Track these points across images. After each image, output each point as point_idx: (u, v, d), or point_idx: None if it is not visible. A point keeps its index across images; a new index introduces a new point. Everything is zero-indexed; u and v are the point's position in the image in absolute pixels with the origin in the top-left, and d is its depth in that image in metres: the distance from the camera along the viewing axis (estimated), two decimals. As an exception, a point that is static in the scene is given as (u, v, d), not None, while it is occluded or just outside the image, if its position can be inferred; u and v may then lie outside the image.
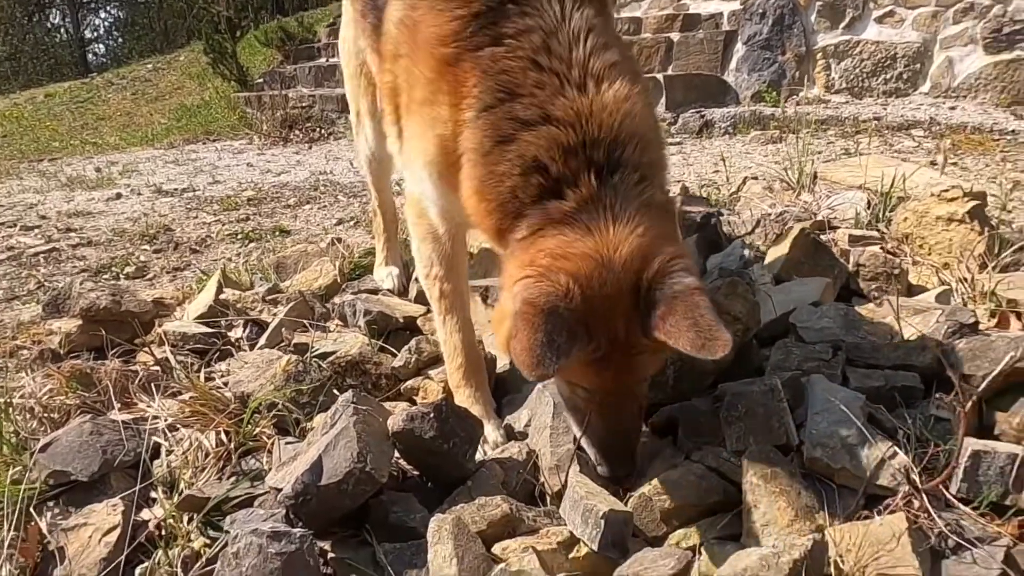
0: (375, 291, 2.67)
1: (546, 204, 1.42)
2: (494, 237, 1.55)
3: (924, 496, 1.24)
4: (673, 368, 1.71)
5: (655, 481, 1.43)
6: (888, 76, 6.32)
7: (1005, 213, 3.01)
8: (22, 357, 2.56)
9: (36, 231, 4.47)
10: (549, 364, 1.24)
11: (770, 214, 3.03)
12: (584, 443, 1.54)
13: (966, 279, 2.31)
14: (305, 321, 2.31)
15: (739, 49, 6.84)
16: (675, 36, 7.09)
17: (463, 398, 1.87)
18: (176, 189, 5.65)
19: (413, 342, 2.07)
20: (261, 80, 10.89)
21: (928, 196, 2.54)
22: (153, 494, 1.75)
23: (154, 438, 1.86)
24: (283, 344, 2.26)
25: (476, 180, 1.50)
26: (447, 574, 1.27)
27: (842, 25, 6.47)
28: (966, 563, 1.17)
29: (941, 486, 1.31)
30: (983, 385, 1.42)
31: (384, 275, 2.78)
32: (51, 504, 1.72)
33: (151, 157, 8.06)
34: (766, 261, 2.47)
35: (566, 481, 1.51)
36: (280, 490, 1.48)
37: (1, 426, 1.83)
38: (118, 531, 1.57)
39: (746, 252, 2.48)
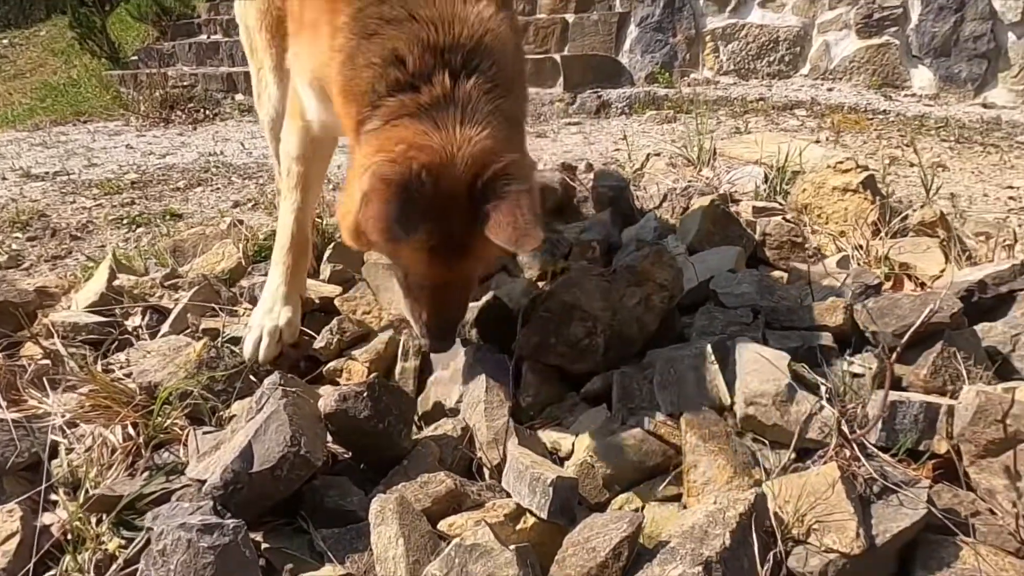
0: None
1: (401, 97, 1.49)
2: (353, 131, 1.60)
3: (855, 446, 1.31)
4: (603, 337, 1.72)
5: (595, 447, 1.43)
6: (772, 59, 6.61)
7: (885, 186, 3.22)
8: None
9: None
10: (398, 233, 1.34)
11: (675, 188, 3.11)
12: (410, 318, 1.68)
13: (861, 245, 2.45)
14: (213, 305, 2.18)
15: (632, 31, 6.98)
16: (570, 17, 7.15)
17: (276, 274, 2.04)
18: (47, 173, 5.21)
19: (335, 322, 1.99)
20: (136, 57, 10.20)
21: (824, 168, 2.68)
22: (54, 496, 1.61)
23: (51, 436, 1.71)
24: (189, 331, 2.12)
25: (342, 77, 1.58)
26: (393, 555, 1.22)
27: (729, 8, 6.70)
28: (893, 506, 1.24)
29: (863, 436, 1.38)
30: (907, 336, 1.50)
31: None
32: (-67, 515, 1.55)
33: (13, 139, 7.40)
34: (678, 233, 2.53)
35: (505, 454, 1.50)
36: (203, 482, 1.39)
37: None
38: (17, 538, 1.44)
39: (657, 224, 2.53)
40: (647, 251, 1.78)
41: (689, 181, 3.55)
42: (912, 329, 1.51)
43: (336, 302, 2.18)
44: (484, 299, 1.94)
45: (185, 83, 8.84)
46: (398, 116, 1.48)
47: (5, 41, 13.46)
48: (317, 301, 2.22)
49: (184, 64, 9.60)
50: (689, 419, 1.40)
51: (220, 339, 1.97)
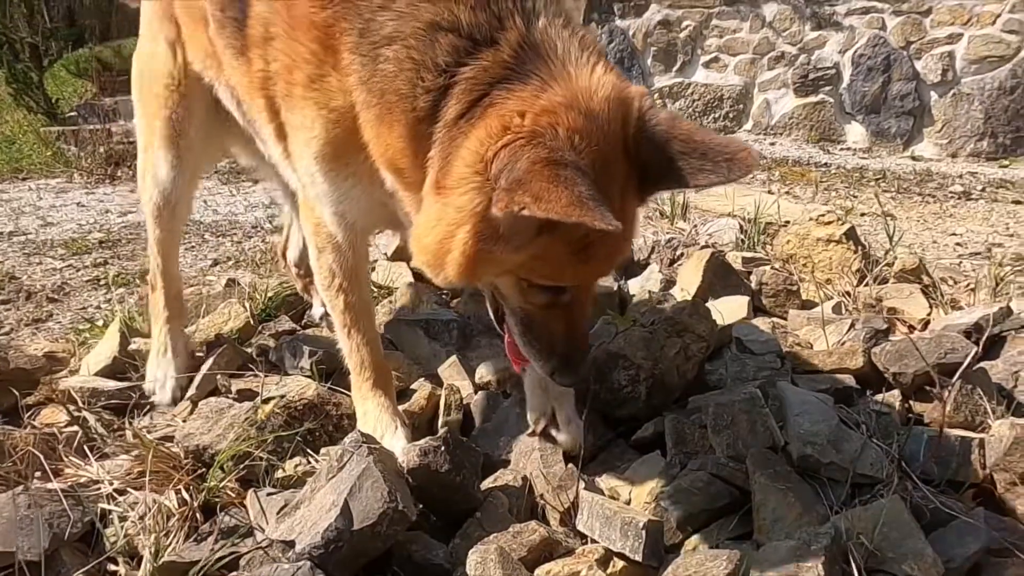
0: (304, 327, 2.57)
1: (473, 63, 1.21)
2: (410, 161, 1.30)
3: (914, 479, 1.43)
4: (646, 384, 1.82)
5: (666, 491, 1.51)
6: (717, 115, 6.99)
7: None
8: None
9: None
10: (601, 214, 1.05)
11: (660, 240, 3.27)
12: (529, 353, 1.44)
13: (849, 292, 2.64)
14: (253, 368, 2.18)
15: (584, 89, 7.28)
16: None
17: (373, 407, 1.81)
18: (1, 233, 5.04)
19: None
20: (75, 113, 9.99)
21: (807, 220, 2.88)
22: (112, 567, 1.58)
23: (100, 505, 1.68)
24: (222, 392, 2.12)
25: (373, 102, 1.30)
26: (498, 604, 1.26)
27: (675, 69, 7.09)
28: (955, 532, 1.36)
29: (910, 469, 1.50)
30: (956, 381, 1.64)
31: (158, 377, 2.15)
32: (-7, 594, 1.50)
33: (-48, 197, 7.11)
34: (679, 284, 2.66)
35: (575, 500, 1.56)
36: (287, 543, 1.40)
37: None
38: (89, 613, 1.41)
39: (662, 276, 2.66)
40: (684, 305, 1.89)
41: (668, 232, 3.73)
42: (966, 363, 1.65)
43: (366, 359, 2.21)
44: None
45: (130, 139, 8.69)
46: (484, 88, 1.20)
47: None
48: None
49: (126, 120, 9.45)
50: (755, 460, 1.49)
51: (261, 400, 1.96)
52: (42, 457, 1.75)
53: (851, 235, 2.75)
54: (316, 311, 2.62)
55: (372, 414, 1.79)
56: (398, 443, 1.67)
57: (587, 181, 1.10)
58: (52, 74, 11.33)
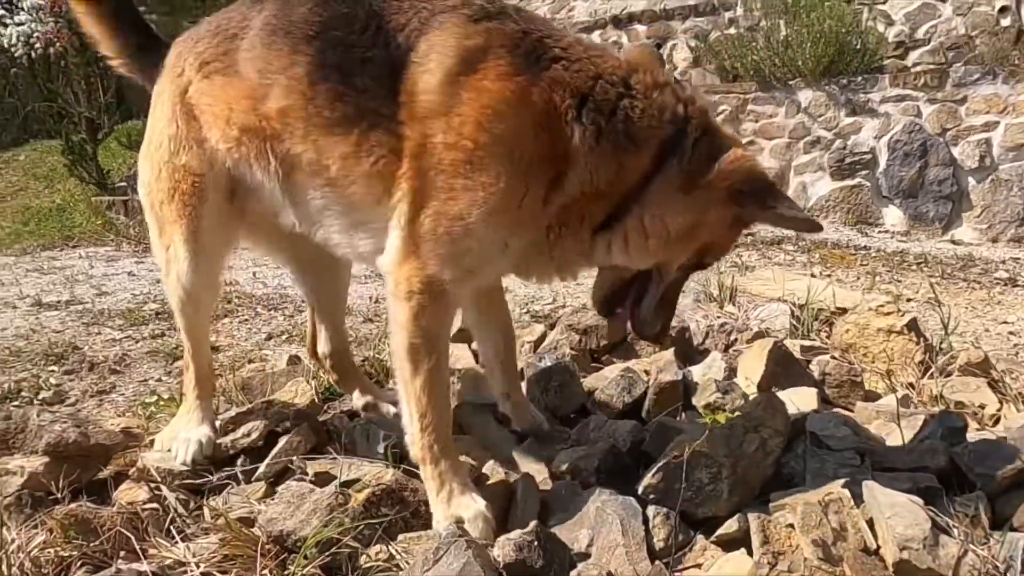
0: (370, 407, 2.59)
1: (693, 107, 1.85)
2: (646, 176, 1.84)
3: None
4: (728, 482, 1.82)
5: (764, 592, 1.50)
6: (753, 196, 7.08)
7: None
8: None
9: (-95, 351, 3.93)
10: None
11: (713, 325, 3.30)
12: (658, 314, 1.98)
13: (912, 384, 2.64)
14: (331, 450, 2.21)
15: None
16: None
17: (444, 468, 1.86)
18: (59, 301, 5.18)
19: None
20: (124, 183, 10.37)
21: (866, 310, 2.90)
22: (202, 654, 1.59)
23: (189, 589, 1.69)
24: (296, 472, 2.15)
25: (612, 145, 1.80)
26: None
27: (711, 151, 7.23)
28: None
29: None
30: None
31: (191, 439, 2.23)
32: None
33: (4, 264, 7.34)
34: (741, 372, 2.68)
35: (665, 600, 1.55)
36: (385, 637, 1.41)
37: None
38: None
39: (724, 364, 2.68)
40: (760, 399, 1.91)
41: (718, 317, 3.75)
42: None
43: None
44: (601, 446, 2.02)
45: (178, 210, 8.97)
46: (710, 121, 1.87)
47: (-17, 164, 13.52)
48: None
49: (175, 191, 9.77)
50: (852, 564, 1.48)
51: (340, 485, 1.97)
52: (132, 538, 1.78)
53: (912, 326, 2.76)
54: (357, 401, 2.58)
55: (448, 492, 1.84)
56: (476, 508, 1.79)
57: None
58: (104, 146, 11.82)
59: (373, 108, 1.85)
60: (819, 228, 1.94)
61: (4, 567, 1.68)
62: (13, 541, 1.79)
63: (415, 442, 1.90)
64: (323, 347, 2.67)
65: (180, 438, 2.27)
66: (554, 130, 1.77)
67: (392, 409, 2.41)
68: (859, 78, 6.73)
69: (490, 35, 1.81)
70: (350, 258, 2.24)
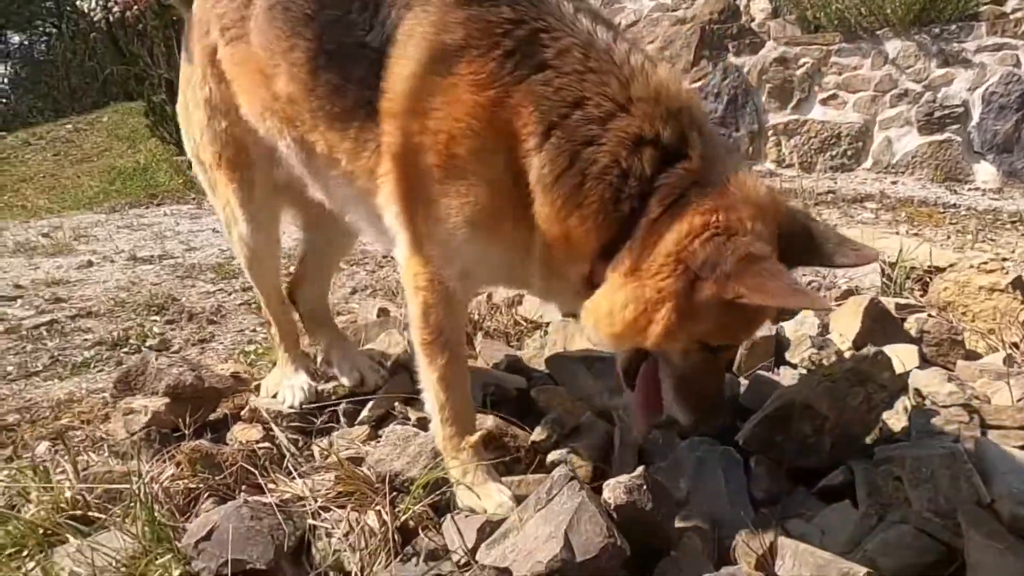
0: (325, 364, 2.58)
1: (670, 171, 1.48)
2: (595, 254, 1.55)
3: None
4: (831, 435, 1.82)
5: (874, 543, 1.51)
6: (834, 153, 6.86)
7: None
8: (75, 439, 2.41)
9: (20, 301, 4.19)
10: (819, 296, 1.54)
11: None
12: (684, 405, 1.60)
13: (1016, 344, 2.56)
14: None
15: (696, 125, 7.28)
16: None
17: (466, 458, 1.82)
18: (152, 256, 5.43)
19: (550, 416, 2.09)
20: (203, 143, 10.66)
21: (967, 267, 2.81)
22: (325, 581, 1.69)
23: (308, 521, 1.80)
24: (398, 418, 2.24)
25: (561, 200, 1.51)
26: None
27: (790, 106, 7.01)
28: None
29: None
30: None
31: (295, 386, 2.34)
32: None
33: (96, 222, 7.69)
34: (834, 329, 2.64)
35: (770, 545, 1.57)
36: (502, 570, 1.47)
37: (153, 516, 1.72)
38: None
39: (817, 320, 2.65)
40: (867, 353, 1.89)
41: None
42: None
43: (532, 393, 2.29)
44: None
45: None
46: (682, 190, 1.46)
47: (69, 127, 14.08)
48: (515, 392, 2.32)
49: (251, 150, 10.02)
50: (969, 517, 1.48)
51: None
52: (257, 473, 1.89)
53: (1018, 284, 2.67)
54: (280, 390, 2.40)
55: (471, 480, 1.80)
56: (500, 498, 1.73)
57: (785, 270, 1.40)
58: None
59: (368, 99, 1.71)
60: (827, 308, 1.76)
61: (140, 495, 1.81)
62: (147, 473, 1.92)
63: (437, 432, 1.89)
64: (303, 292, 2.60)
65: (284, 385, 2.37)
66: (517, 158, 1.56)
67: (357, 375, 2.43)
68: (953, 26, 6.38)
69: (470, 29, 1.57)
70: (381, 245, 2.19)
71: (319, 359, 2.58)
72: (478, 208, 1.63)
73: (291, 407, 2.31)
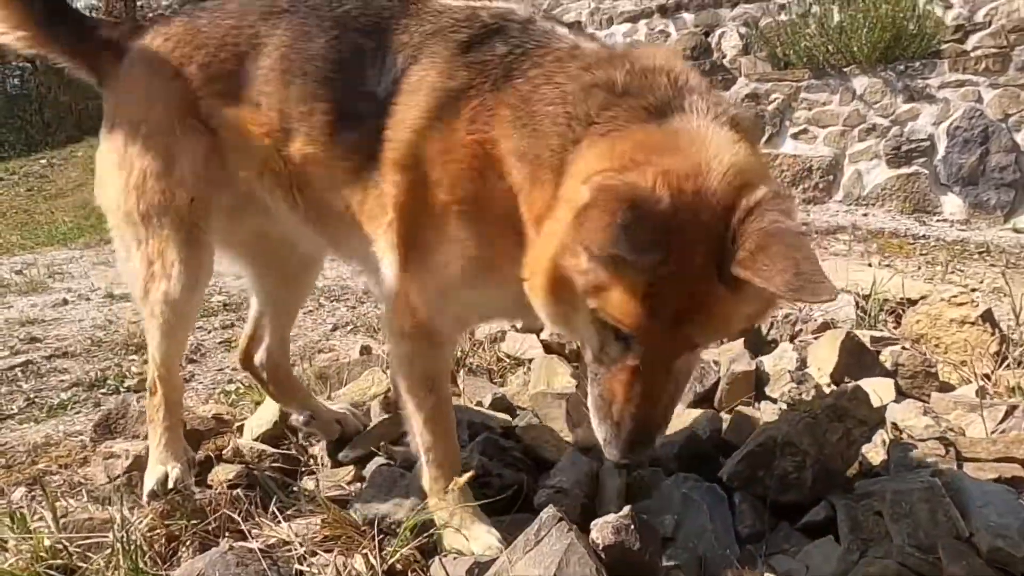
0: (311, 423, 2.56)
1: (616, 108, 1.35)
2: (545, 202, 1.42)
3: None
4: (811, 471, 1.85)
5: (857, 579, 1.53)
6: (806, 186, 7.01)
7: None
8: (53, 484, 2.38)
9: (-7, 342, 4.14)
10: (623, 248, 1.12)
11: (777, 316, 3.30)
12: (595, 417, 1.41)
13: (988, 375, 2.62)
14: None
15: (672, 159, 7.42)
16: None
17: (451, 500, 1.80)
18: (128, 294, 5.38)
19: (534, 455, 2.10)
20: (179, 178, 10.61)
21: (938, 301, 2.88)
22: (311, 627, 1.67)
23: (295, 566, 1.78)
24: (383, 458, 2.23)
25: (521, 159, 1.46)
26: None
27: (763, 140, 7.16)
28: None
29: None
30: None
31: (157, 474, 2.00)
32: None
33: (71, 258, 7.63)
34: (812, 363, 2.69)
35: (756, 584, 1.59)
36: (490, 613, 1.47)
37: (137, 565, 1.70)
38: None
39: (796, 355, 2.69)
40: (845, 389, 1.93)
41: (781, 307, 3.75)
42: None
43: (518, 431, 2.30)
44: (681, 431, 2.07)
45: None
46: (623, 122, 1.33)
47: (43, 161, 13.99)
48: (500, 430, 2.33)
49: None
50: (948, 552, 1.51)
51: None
52: (240, 520, 1.88)
53: (987, 317, 2.74)
54: (297, 417, 2.40)
55: (457, 523, 1.79)
56: (488, 540, 1.73)
57: (636, 214, 1.13)
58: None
59: (375, 151, 1.72)
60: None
61: (123, 544, 1.78)
62: (129, 521, 1.90)
63: (424, 475, 1.87)
64: (260, 356, 2.45)
65: (149, 469, 2.06)
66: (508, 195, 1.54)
67: (337, 428, 2.35)
68: (917, 63, 6.60)
69: (468, 88, 1.59)
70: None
71: (295, 418, 2.42)
72: (482, 247, 1.61)
73: (146, 496, 2.01)
